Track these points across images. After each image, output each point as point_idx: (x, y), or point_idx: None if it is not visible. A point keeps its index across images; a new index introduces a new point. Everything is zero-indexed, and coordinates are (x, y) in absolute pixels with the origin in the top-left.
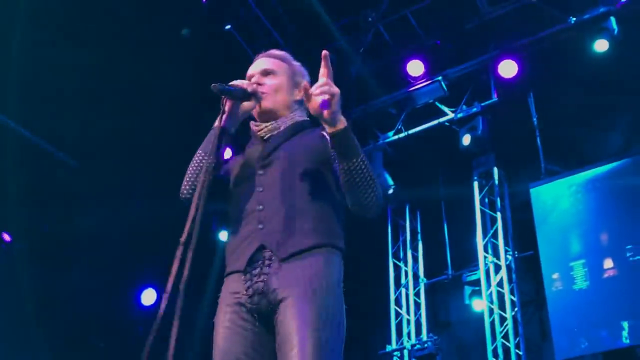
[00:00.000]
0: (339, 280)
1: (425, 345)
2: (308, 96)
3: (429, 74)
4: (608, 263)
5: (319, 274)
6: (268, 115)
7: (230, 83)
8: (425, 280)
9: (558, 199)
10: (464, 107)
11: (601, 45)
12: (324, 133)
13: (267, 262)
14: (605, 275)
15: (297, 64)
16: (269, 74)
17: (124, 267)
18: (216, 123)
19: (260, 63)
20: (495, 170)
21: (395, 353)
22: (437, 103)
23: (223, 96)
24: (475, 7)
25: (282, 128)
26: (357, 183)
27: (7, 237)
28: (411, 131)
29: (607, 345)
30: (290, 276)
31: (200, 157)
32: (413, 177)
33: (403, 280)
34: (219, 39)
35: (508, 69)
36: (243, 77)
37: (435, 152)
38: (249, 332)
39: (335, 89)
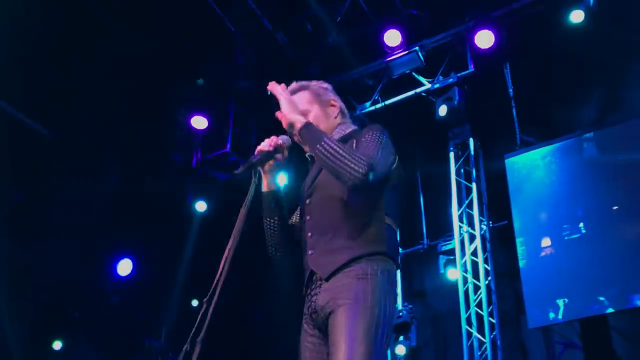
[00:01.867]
0: (379, 286)
1: (400, 314)
2: None
3: (405, 44)
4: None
5: (354, 284)
6: None
7: (257, 151)
8: (401, 250)
9: (532, 169)
10: (441, 77)
11: (577, 16)
12: (355, 140)
13: (318, 282)
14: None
15: (314, 83)
16: (304, 116)
17: (100, 237)
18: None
19: None
20: (471, 140)
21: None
22: (413, 73)
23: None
24: None
25: None
26: (328, 166)
27: None
28: (388, 102)
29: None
30: (332, 292)
31: (266, 222)
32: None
33: None
34: (192, 3)
35: (485, 39)
36: (215, 43)
37: (411, 123)
38: (316, 346)
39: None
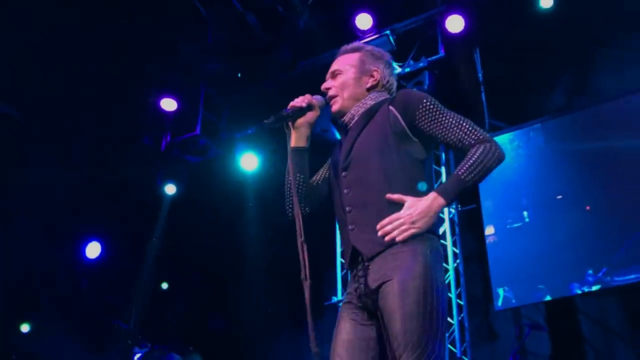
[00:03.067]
0: (432, 263)
1: None
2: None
3: (377, 28)
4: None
5: (404, 264)
6: (342, 113)
7: (290, 106)
8: None
9: None
10: (411, 61)
11: (546, 2)
12: (391, 107)
13: (365, 263)
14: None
15: (369, 49)
16: (336, 75)
17: (68, 220)
18: (292, 143)
19: (332, 65)
20: None
21: (340, 304)
22: None
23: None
24: None
25: (355, 118)
26: (482, 179)
27: None
28: None
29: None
30: (382, 270)
31: (287, 178)
32: None
33: None
34: None
35: (455, 24)
36: (185, 24)
37: None
38: (362, 326)
39: (393, 228)
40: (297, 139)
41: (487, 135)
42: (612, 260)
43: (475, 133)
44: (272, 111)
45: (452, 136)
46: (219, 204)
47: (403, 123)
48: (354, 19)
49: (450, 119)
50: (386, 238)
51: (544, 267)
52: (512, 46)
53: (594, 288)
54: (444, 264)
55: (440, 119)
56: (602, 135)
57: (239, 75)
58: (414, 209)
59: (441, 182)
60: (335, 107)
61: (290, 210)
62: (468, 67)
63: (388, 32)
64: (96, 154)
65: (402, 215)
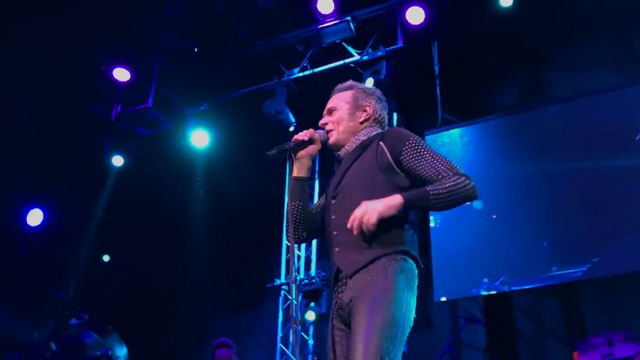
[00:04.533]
0: (401, 283)
1: (313, 280)
2: None
3: (338, 13)
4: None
5: (375, 282)
6: (338, 147)
7: (293, 139)
8: None
9: (451, 148)
10: (370, 50)
11: (506, 1)
12: (381, 142)
13: (344, 280)
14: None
15: (361, 87)
16: (332, 112)
17: (10, 185)
18: (294, 173)
19: (328, 102)
20: (395, 115)
21: (284, 287)
22: (344, 44)
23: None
24: None
25: (349, 152)
26: (450, 205)
27: None
28: (316, 69)
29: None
30: (355, 288)
31: (291, 205)
32: (316, 116)
33: None
34: None
35: (415, 15)
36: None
37: None
38: (342, 338)
39: (355, 221)
40: (298, 169)
41: (465, 173)
42: (511, 270)
43: (455, 168)
44: (227, 88)
45: (433, 169)
46: (166, 179)
47: (390, 157)
48: (316, 2)
49: (433, 155)
50: (355, 232)
51: (447, 271)
52: (469, 42)
53: (491, 292)
54: None
55: (423, 155)
56: (542, 139)
57: (195, 50)
58: (369, 202)
59: None
60: (332, 140)
61: (293, 233)
62: (425, 59)
63: (349, 18)
64: (43, 121)
65: (358, 210)
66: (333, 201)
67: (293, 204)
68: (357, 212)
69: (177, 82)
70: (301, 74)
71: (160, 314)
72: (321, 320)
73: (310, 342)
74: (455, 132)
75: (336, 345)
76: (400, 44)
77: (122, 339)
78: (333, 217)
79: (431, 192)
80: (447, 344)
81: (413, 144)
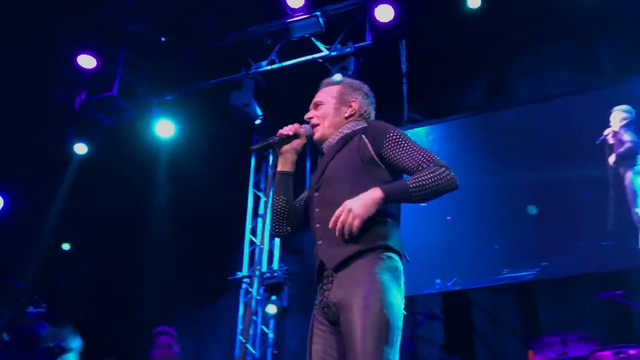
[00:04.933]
0: (389, 279)
1: (275, 274)
2: None
3: (307, 7)
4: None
5: (361, 278)
6: (323, 141)
7: (277, 134)
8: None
9: None
10: (339, 46)
11: (474, 2)
12: (363, 135)
13: (329, 278)
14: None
15: (348, 82)
16: (318, 106)
17: None
18: (279, 168)
19: (315, 97)
20: None
21: (245, 280)
22: (312, 38)
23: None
24: None
25: (332, 144)
26: (430, 196)
27: None
28: (285, 63)
29: None
30: (343, 286)
31: (274, 199)
32: (282, 110)
33: (261, 211)
34: None
35: (384, 13)
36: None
37: (306, 87)
38: (327, 334)
39: (338, 224)
40: (283, 163)
41: (445, 163)
42: (464, 271)
43: (434, 159)
44: (194, 79)
45: (413, 161)
46: (129, 169)
47: (372, 150)
48: None
49: (413, 147)
50: (337, 233)
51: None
52: (437, 41)
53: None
54: None
55: (403, 147)
56: (503, 142)
57: (163, 39)
58: (350, 201)
59: None
60: (317, 135)
61: (277, 228)
62: (393, 57)
63: (318, 13)
64: (3, 108)
65: (340, 209)
66: (316, 194)
67: (278, 198)
68: (339, 214)
69: (143, 71)
70: (269, 67)
71: (120, 305)
72: (282, 313)
73: (271, 335)
74: (421, 131)
75: (315, 339)
76: (368, 41)
77: (77, 330)
78: (316, 209)
79: (411, 184)
80: (405, 339)
81: (394, 137)
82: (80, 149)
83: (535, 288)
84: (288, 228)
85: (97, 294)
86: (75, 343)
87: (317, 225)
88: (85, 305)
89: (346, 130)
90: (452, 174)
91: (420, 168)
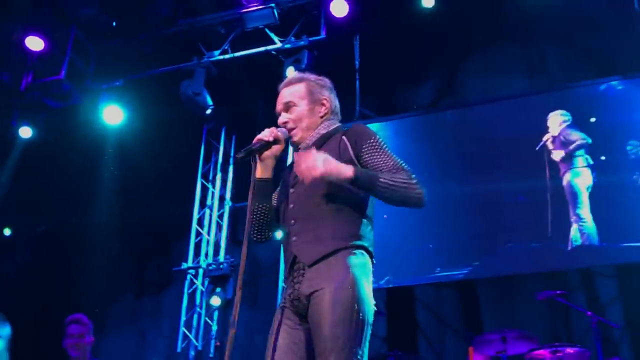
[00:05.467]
0: (361, 276)
1: (221, 266)
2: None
3: None
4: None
5: (336, 275)
6: (301, 142)
7: (255, 140)
8: (231, 204)
9: None
10: (293, 38)
11: (428, 1)
12: (344, 137)
13: (301, 271)
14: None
15: (313, 79)
16: (289, 108)
17: None
18: (256, 174)
19: (281, 97)
20: None
21: (190, 271)
22: (267, 30)
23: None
24: None
25: (309, 143)
26: (392, 199)
27: None
28: (237, 54)
29: None
30: (316, 279)
31: (255, 207)
32: (233, 100)
33: (209, 202)
34: None
35: (339, 8)
36: None
37: (258, 79)
38: (293, 330)
39: (306, 169)
40: (263, 170)
41: (419, 182)
42: (397, 270)
43: (410, 173)
44: (145, 65)
45: (391, 164)
46: (75, 154)
47: (351, 152)
48: None
49: (392, 156)
50: (297, 171)
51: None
52: (391, 39)
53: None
54: None
55: (383, 152)
56: (448, 141)
57: (114, 24)
58: (326, 156)
59: None
60: (295, 139)
61: (258, 235)
62: (346, 52)
63: (273, 5)
64: None
65: (314, 155)
66: (292, 190)
67: (260, 206)
68: (312, 157)
69: (93, 55)
70: (221, 57)
71: (60, 292)
72: (227, 306)
73: (214, 327)
74: (371, 127)
75: (281, 334)
76: (323, 35)
77: (6, 318)
78: (291, 205)
79: (381, 178)
80: None
81: (374, 143)
82: (25, 132)
83: (479, 286)
84: (270, 234)
85: (37, 280)
86: (4, 331)
87: (292, 221)
88: (24, 292)
89: (323, 130)
90: (423, 192)
91: (394, 171)
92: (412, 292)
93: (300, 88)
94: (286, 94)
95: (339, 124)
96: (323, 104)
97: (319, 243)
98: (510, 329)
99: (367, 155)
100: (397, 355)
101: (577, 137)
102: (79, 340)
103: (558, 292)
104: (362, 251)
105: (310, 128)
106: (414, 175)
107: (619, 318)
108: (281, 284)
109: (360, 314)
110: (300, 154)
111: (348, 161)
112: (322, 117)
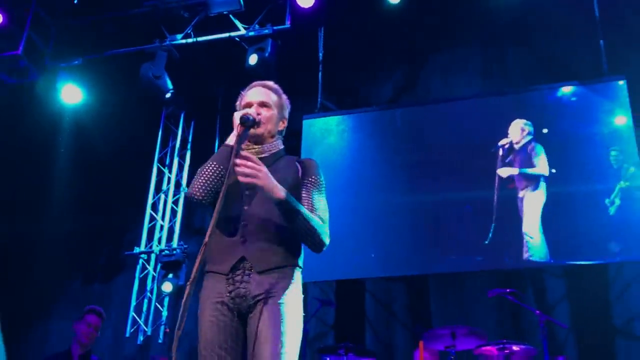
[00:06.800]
0: (299, 292)
1: (174, 252)
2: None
3: None
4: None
5: (285, 287)
6: (257, 139)
7: (243, 112)
8: (187, 190)
9: (326, 134)
10: (257, 26)
11: None
12: (297, 163)
13: (247, 272)
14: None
15: (284, 97)
16: (265, 106)
17: None
18: (229, 141)
19: (258, 93)
20: None
21: (142, 256)
22: (231, 16)
23: (241, 124)
24: None
25: (266, 154)
26: (300, 232)
27: None
28: (200, 38)
29: None
30: (266, 285)
31: (213, 166)
32: (194, 86)
33: (165, 187)
34: None
35: None
36: None
37: (220, 65)
38: (228, 326)
39: (250, 172)
40: (239, 142)
41: (327, 230)
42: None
43: (326, 218)
44: (106, 45)
45: (315, 204)
46: (30, 133)
47: (300, 177)
48: None
49: (323, 199)
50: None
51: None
52: (355, 33)
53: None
54: None
55: (318, 193)
56: (403, 140)
57: (76, 1)
58: (268, 174)
59: None
60: (260, 131)
61: (203, 195)
62: (310, 44)
63: None
64: None
65: (257, 164)
66: (247, 192)
67: (220, 167)
68: (254, 167)
69: (52, 32)
70: (184, 41)
71: (10, 278)
72: (179, 292)
73: (165, 313)
74: (332, 120)
75: (212, 328)
76: (287, 25)
77: None
78: (245, 207)
79: (303, 212)
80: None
81: (318, 180)
82: None
83: (430, 282)
84: (208, 199)
85: None
86: None
87: (243, 222)
88: None
89: (273, 149)
90: (327, 243)
91: (314, 212)
92: (363, 285)
93: (277, 98)
94: (265, 93)
95: (282, 145)
96: (283, 122)
97: (274, 254)
98: (459, 325)
99: (306, 186)
100: (348, 347)
101: (542, 163)
102: (95, 332)
103: (508, 290)
104: (300, 270)
105: (269, 133)
106: (327, 225)
107: (566, 318)
108: None
109: (299, 331)
110: (251, 157)
111: (298, 183)
112: (279, 131)
